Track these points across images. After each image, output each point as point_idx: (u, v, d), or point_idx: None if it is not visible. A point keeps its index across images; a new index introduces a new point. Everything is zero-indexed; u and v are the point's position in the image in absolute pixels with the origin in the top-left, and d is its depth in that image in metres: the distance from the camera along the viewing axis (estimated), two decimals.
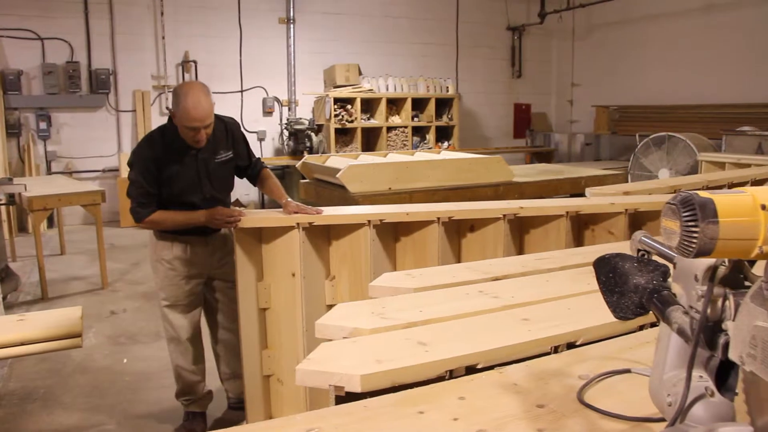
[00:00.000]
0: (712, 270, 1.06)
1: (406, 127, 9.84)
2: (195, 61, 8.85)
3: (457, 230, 3.09)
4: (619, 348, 1.64)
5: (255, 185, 3.22)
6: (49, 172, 8.25)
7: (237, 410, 3.27)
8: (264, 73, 9.34)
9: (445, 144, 10.25)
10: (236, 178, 3.17)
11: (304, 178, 5.81)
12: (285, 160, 8.75)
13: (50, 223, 7.77)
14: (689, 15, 9.59)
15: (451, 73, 10.75)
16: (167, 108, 2.53)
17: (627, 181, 7.32)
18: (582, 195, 6.49)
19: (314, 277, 2.91)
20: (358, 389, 1.43)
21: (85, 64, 8.35)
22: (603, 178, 6.43)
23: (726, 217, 0.91)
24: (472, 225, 3.08)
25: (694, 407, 1.12)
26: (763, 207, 0.90)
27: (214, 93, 8.82)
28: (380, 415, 1.29)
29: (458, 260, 3.10)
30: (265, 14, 9.24)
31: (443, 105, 10.32)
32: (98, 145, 8.50)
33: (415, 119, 10.00)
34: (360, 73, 9.63)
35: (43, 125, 8.11)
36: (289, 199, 2.93)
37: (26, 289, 5.56)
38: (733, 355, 0.98)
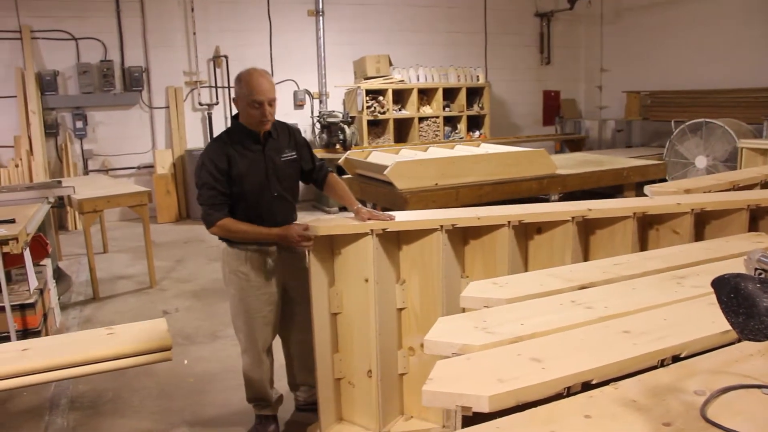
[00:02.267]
0: None
1: (437, 117, 9.82)
2: (226, 56, 8.88)
3: (524, 233, 3.10)
4: (724, 361, 1.66)
5: (322, 190, 3.20)
6: (86, 170, 8.36)
7: (305, 411, 3.33)
8: (294, 66, 9.35)
9: (477, 133, 10.22)
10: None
11: (343, 173, 5.84)
12: (319, 154, 8.77)
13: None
14: None
15: (480, 61, 10.69)
16: (232, 99, 2.61)
17: (667, 171, 7.26)
18: (622, 185, 6.50)
19: (386, 282, 2.94)
20: (486, 410, 1.46)
21: (118, 62, 8.41)
22: (644, 168, 6.41)
23: None
24: (539, 227, 3.09)
25: None
26: None
27: None
28: None
29: (526, 263, 3.11)
30: (294, 7, 9.24)
31: (474, 94, 10.28)
32: (133, 142, 8.59)
33: (447, 109, 9.98)
34: (390, 64, 9.61)
35: (79, 124, 8.21)
36: (361, 206, 2.96)
37: (77, 289, 5.66)
38: None
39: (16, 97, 7.91)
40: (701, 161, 8.13)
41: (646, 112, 10.31)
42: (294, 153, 3.03)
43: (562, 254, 3.04)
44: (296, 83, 9.45)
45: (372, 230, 2.83)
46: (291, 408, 3.40)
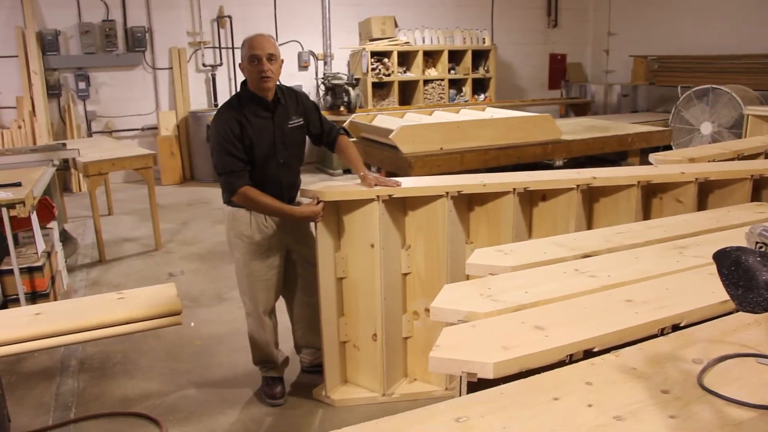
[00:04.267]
0: None
1: (442, 79, 9.74)
2: (230, 16, 8.77)
3: (529, 200, 3.13)
4: (722, 330, 1.69)
5: (334, 152, 3.22)
6: (89, 131, 8.33)
7: (310, 373, 3.41)
8: (299, 27, 9.24)
9: (482, 96, 10.15)
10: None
11: (348, 136, 5.84)
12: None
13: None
14: None
15: (486, 23, 10.56)
16: (238, 64, 2.65)
17: (672, 137, 7.23)
18: (626, 152, 6.49)
19: (391, 248, 2.98)
20: (491, 376, 1.50)
21: (120, 22, 8.31)
22: (649, 135, 6.38)
23: None
24: (544, 194, 3.11)
25: None
26: None
27: None
28: (518, 403, 1.35)
29: (530, 230, 3.14)
30: None
31: (479, 57, 10.17)
32: (136, 103, 8.55)
33: (452, 72, 9.89)
34: (396, 26, 9.49)
35: (82, 85, 8.15)
36: (367, 172, 2.98)
37: (83, 252, 5.71)
38: None
39: (17, 57, 7.84)
40: (707, 128, 8.10)
41: (652, 77, 10.22)
42: (301, 119, 3.04)
43: (566, 222, 3.07)
44: (301, 44, 9.35)
45: (378, 196, 2.86)
46: (297, 370, 3.47)
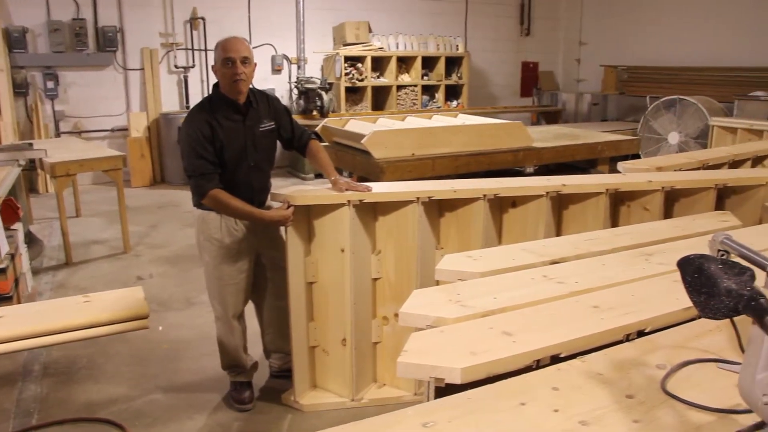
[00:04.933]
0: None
1: (415, 85, 9.79)
2: (203, 18, 8.70)
3: (499, 206, 3.15)
4: (686, 336, 1.73)
5: (305, 156, 3.22)
6: (57, 132, 8.19)
7: (279, 378, 3.39)
8: (273, 31, 9.21)
9: (454, 103, 10.22)
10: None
11: (320, 140, 5.83)
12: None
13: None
14: None
15: (460, 31, 10.63)
16: (211, 67, 2.65)
17: (640, 146, 7.36)
18: (596, 159, 6.58)
19: (361, 252, 2.98)
20: (458, 381, 1.51)
21: (91, 21, 8.18)
22: (618, 143, 6.49)
23: None
24: (514, 201, 3.14)
25: None
26: None
27: None
28: (485, 408, 1.36)
29: (500, 236, 3.17)
30: None
31: (453, 63, 10.24)
32: (107, 104, 8.42)
33: (425, 78, 9.94)
34: (370, 31, 9.51)
35: (50, 84, 8.01)
36: (338, 176, 2.98)
37: (49, 254, 5.60)
38: None
39: None
40: (674, 137, 8.26)
41: (622, 86, 10.40)
42: (272, 123, 3.04)
43: (536, 228, 3.10)
44: (274, 48, 9.31)
45: (349, 201, 2.86)
46: (266, 375, 3.45)
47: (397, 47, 9.64)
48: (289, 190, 2.93)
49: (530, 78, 11.67)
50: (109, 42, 8.19)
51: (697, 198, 3.34)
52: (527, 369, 1.61)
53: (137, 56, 8.51)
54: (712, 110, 8.03)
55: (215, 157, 2.82)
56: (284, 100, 9.39)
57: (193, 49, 8.80)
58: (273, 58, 9.30)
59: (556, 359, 1.66)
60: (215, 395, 3.26)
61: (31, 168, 5.60)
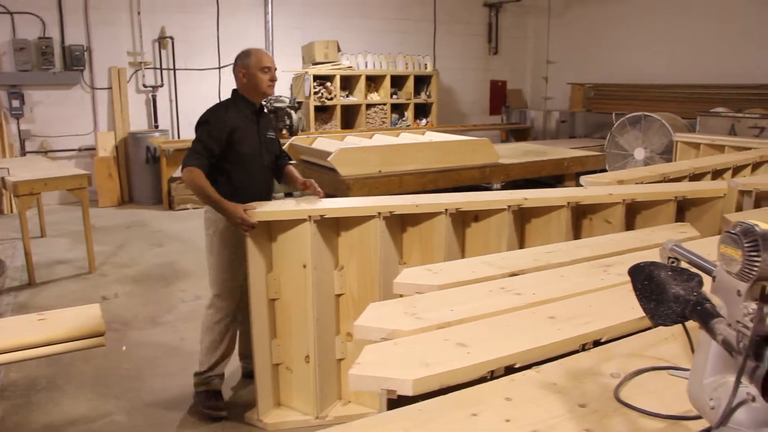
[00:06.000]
0: (762, 289, 1.15)
1: (385, 104, 9.84)
2: (172, 37, 8.67)
3: (462, 220, 3.17)
4: (641, 345, 1.74)
5: (280, 179, 3.38)
6: (23, 151, 8.06)
7: (250, 378, 3.35)
8: (242, 49, 9.17)
9: (423, 121, 10.29)
10: None
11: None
12: None
13: None
14: None
15: (429, 50, 10.74)
16: (242, 69, 2.80)
17: (605, 162, 7.48)
18: (563, 175, 6.67)
19: (324, 268, 2.96)
20: (410, 393, 1.50)
21: (58, 40, 8.10)
22: (584, 159, 6.58)
23: None
24: (476, 215, 3.16)
25: (737, 412, 1.21)
26: None
27: (191, 69, 8.76)
28: (436, 419, 1.35)
29: (463, 249, 3.18)
30: None
31: (421, 82, 10.33)
32: (74, 123, 8.31)
33: (394, 96, 10.00)
34: (339, 50, 9.56)
35: (15, 103, 7.89)
36: (304, 179, 3.22)
37: (12, 275, 5.48)
38: None
39: None
40: (639, 153, 8.39)
41: (589, 104, 10.58)
42: (274, 135, 3.35)
43: (498, 242, 3.12)
44: None
45: (310, 216, 2.85)
46: (228, 384, 3.41)
47: (366, 66, 9.69)
48: (247, 205, 2.91)
49: (499, 96, 11.81)
50: (76, 61, 8.10)
51: (657, 210, 3.39)
52: (482, 380, 1.61)
53: (105, 75, 8.44)
54: (676, 126, 8.19)
55: (217, 150, 3.01)
56: None
57: (161, 69, 8.74)
58: None
59: (510, 370, 1.66)
60: (178, 413, 3.21)
61: None
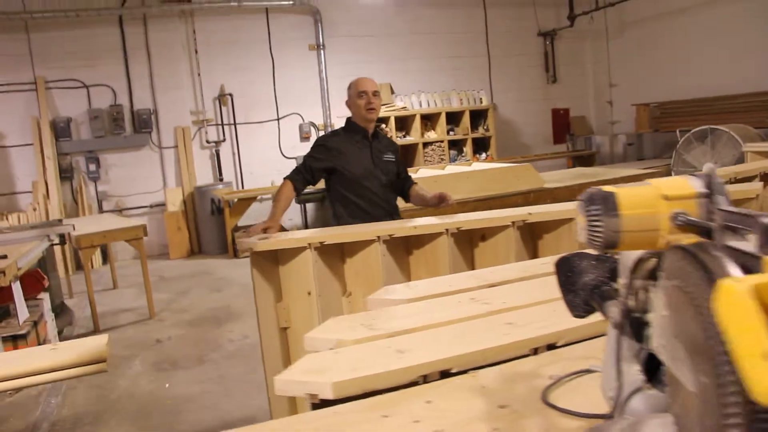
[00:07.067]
0: (637, 262, 1.09)
1: (442, 141, 9.90)
2: (231, 94, 9.16)
3: (469, 240, 3.14)
4: (596, 348, 1.65)
5: (407, 199, 3.64)
6: (100, 210, 8.66)
7: None
8: (298, 100, 9.58)
9: (483, 155, 10.25)
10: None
11: None
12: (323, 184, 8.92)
13: (104, 260, 8.15)
14: (723, 2, 9.35)
15: (484, 83, 10.77)
16: (347, 98, 3.32)
17: None
18: None
19: (331, 295, 3.00)
20: (330, 396, 1.50)
21: (127, 106, 8.76)
22: (638, 177, 6.33)
23: (628, 210, 0.94)
24: (483, 234, 3.12)
25: (632, 400, 1.14)
26: (666, 198, 0.93)
27: (251, 123, 9.10)
28: (347, 421, 1.35)
29: (472, 269, 3.13)
30: (295, 43, 9.50)
31: (478, 116, 10.34)
32: (144, 182, 8.88)
33: (451, 133, 10.05)
34: (392, 92, 9.76)
35: (92, 167, 8.54)
36: (437, 192, 3.40)
37: (80, 323, 5.85)
38: (653, 346, 1.01)
39: (32, 144, 8.29)
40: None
41: (656, 123, 10.21)
42: (393, 157, 3.56)
43: (507, 259, 3.06)
44: (301, 116, 9.66)
45: (309, 244, 2.90)
46: None
47: (420, 105, 9.82)
48: (253, 238, 3.00)
49: (562, 124, 11.61)
50: (144, 124, 8.70)
51: None
52: (415, 385, 1.58)
53: (171, 134, 8.99)
54: (747, 137, 7.76)
55: (320, 169, 3.37)
56: None
57: (222, 124, 9.22)
58: (300, 127, 9.63)
59: (447, 375, 1.62)
60: None
61: (62, 243, 5.92)
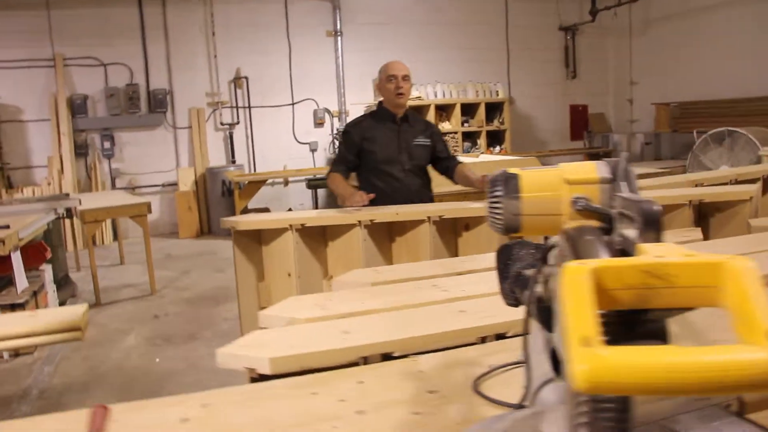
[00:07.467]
0: (549, 248, 1.07)
1: (456, 132, 9.85)
2: (246, 77, 9.20)
3: (453, 229, 3.14)
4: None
5: (453, 180, 3.60)
6: (113, 188, 8.77)
7: None
8: (314, 86, 9.59)
9: (497, 148, 10.19)
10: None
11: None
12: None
13: (115, 236, 8.26)
14: (750, 1, 9.14)
15: (502, 76, 10.68)
16: (375, 86, 3.56)
17: None
18: None
19: (311, 277, 3.02)
20: (267, 371, 1.51)
21: (143, 85, 8.84)
22: (650, 176, 6.24)
23: (529, 192, 0.93)
24: (467, 224, 3.12)
25: (543, 391, 1.13)
26: (568, 182, 0.92)
27: (265, 107, 9.14)
28: (275, 395, 1.36)
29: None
30: (313, 28, 9.50)
31: (494, 109, 10.26)
32: (157, 161, 8.98)
33: (465, 125, 9.99)
34: None
35: (107, 144, 8.66)
36: (484, 175, 3.33)
37: (83, 296, 5.94)
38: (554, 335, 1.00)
39: (49, 120, 8.42)
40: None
41: (675, 124, 10.04)
42: (428, 140, 3.53)
43: (489, 249, 3.03)
44: (316, 102, 9.68)
45: (291, 225, 2.92)
46: None
47: (436, 95, 9.78)
48: (234, 217, 3.03)
49: (580, 121, 11.47)
50: (159, 103, 8.79)
51: (671, 216, 3.19)
52: (355, 365, 1.59)
53: (185, 115, 9.07)
54: (765, 140, 7.61)
55: (354, 156, 3.43)
56: (327, 152, 9.68)
57: (237, 107, 9.28)
58: (315, 112, 9.65)
59: (388, 358, 1.63)
60: None
61: (69, 216, 6.03)
